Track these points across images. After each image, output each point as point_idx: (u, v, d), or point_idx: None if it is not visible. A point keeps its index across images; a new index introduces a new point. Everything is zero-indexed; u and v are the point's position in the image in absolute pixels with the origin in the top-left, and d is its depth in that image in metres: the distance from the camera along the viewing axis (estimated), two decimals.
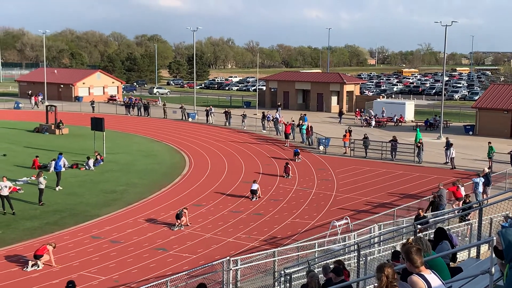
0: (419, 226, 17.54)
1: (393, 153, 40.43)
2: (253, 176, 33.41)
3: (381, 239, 19.31)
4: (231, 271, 16.93)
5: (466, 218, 19.94)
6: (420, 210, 21.15)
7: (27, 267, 19.80)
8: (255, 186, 29.68)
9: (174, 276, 17.27)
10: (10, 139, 48.02)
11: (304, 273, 14.87)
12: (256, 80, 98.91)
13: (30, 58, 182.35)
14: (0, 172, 32.47)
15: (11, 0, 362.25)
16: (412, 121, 61.43)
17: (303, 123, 48.79)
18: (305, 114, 58.11)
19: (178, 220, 24.62)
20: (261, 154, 42.20)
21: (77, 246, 22.18)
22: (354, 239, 20.04)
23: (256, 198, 29.27)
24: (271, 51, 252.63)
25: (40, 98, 76.68)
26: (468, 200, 23.56)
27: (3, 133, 51.51)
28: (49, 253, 20.05)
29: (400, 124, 59.95)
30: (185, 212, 24.99)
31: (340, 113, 63.25)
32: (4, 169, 34.22)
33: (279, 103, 72.43)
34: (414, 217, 21.62)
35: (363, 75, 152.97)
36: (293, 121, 49.15)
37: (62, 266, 20.09)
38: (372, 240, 19.36)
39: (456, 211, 21.66)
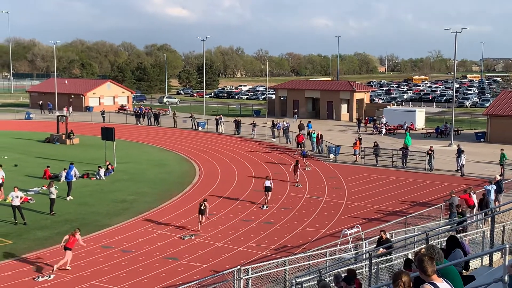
0: (381, 249, 17.15)
1: (404, 161, 40.28)
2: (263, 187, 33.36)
3: (393, 247, 19.17)
4: (242, 280, 16.88)
5: (461, 229, 19.10)
6: (382, 233, 18.66)
7: (38, 277, 19.85)
8: (268, 183, 29.94)
9: (185, 285, 17.25)
10: (21, 150, 48.31)
11: (315, 282, 14.80)
12: (265, 88, 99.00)
13: (41, 69, 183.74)
14: (12, 182, 32.62)
15: (22, 11, 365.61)
16: (422, 128, 61.22)
17: (313, 131, 48.72)
18: (309, 121, 58.08)
19: (201, 216, 25.30)
20: (271, 163, 42.15)
21: (88, 256, 22.22)
22: (366, 247, 19.93)
23: (268, 198, 29.68)
24: (280, 60, 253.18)
25: (71, 109, 77.38)
26: (461, 210, 22.94)
27: (14, 144, 51.84)
28: (79, 238, 20.99)
29: (410, 131, 59.71)
30: (206, 206, 25.47)
31: (359, 121, 63.11)
32: (16, 179, 34.40)
33: (295, 110, 72.68)
34: (377, 239, 19.03)
35: (373, 82, 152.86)
36: (315, 133, 48.09)
37: (73, 276, 20.13)
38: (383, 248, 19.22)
39: (468, 219, 21.47)
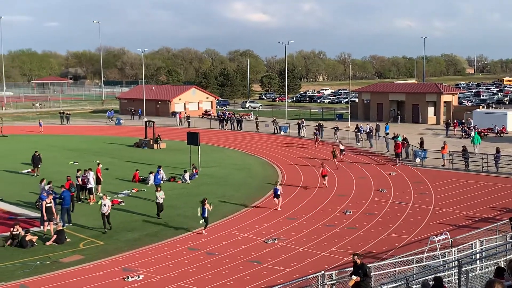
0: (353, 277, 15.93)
1: (497, 166, 38.52)
2: (346, 191, 32.99)
3: (483, 255, 18.40)
4: (326, 285, 16.74)
5: None
6: (356, 257, 16.19)
7: (128, 278, 20.56)
8: (342, 147, 44.67)
9: None
10: (112, 154, 50.39)
11: None
12: (348, 92, 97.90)
13: (129, 76, 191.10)
14: (103, 185, 34.21)
15: (111, 21, 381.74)
16: None
17: (397, 134, 47.40)
18: (387, 123, 56.74)
19: (335, 159, 40.58)
20: (354, 168, 41.60)
21: (175, 257, 22.79)
22: (455, 255, 19.25)
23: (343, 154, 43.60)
24: (363, 63, 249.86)
25: (185, 116, 79.24)
26: None
27: (105, 148, 54.17)
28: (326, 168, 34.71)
29: (502, 135, 57.18)
30: (336, 152, 40.59)
31: (447, 124, 60.95)
32: (107, 182, 35.87)
33: (399, 111, 72.01)
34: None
35: (461, 84, 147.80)
36: (400, 136, 45.71)
37: (161, 277, 20.71)
38: (473, 256, 18.51)
39: None
